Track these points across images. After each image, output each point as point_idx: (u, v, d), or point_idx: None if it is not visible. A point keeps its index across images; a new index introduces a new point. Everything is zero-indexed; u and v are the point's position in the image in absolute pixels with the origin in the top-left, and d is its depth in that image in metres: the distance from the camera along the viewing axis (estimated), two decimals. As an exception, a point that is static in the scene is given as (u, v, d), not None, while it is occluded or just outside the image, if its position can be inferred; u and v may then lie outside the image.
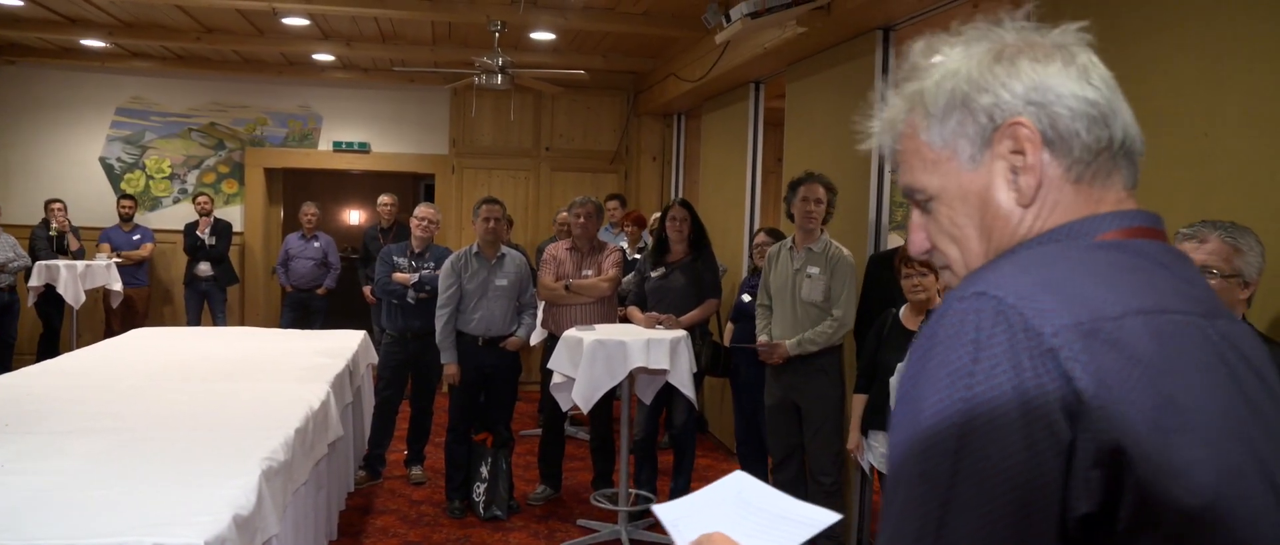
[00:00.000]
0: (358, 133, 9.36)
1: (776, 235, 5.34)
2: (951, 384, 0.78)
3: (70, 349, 6.70)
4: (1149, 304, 0.83)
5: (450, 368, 5.25)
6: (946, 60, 0.96)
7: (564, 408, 5.01)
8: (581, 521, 5.22)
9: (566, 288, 5.41)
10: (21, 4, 6.77)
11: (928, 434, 0.78)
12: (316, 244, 8.42)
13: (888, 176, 4.82)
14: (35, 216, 8.45)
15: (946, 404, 0.78)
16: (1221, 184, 2.73)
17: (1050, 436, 0.76)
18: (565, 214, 7.45)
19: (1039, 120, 0.90)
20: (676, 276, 5.29)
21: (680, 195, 8.45)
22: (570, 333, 4.78)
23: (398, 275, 5.71)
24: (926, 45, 0.99)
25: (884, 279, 4.40)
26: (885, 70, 4.79)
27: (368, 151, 9.37)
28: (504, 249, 5.42)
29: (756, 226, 6.60)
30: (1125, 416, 0.76)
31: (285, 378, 4.48)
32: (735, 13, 4.81)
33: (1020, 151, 0.91)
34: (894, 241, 4.89)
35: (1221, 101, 2.75)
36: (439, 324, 5.24)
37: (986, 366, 0.77)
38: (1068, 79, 0.91)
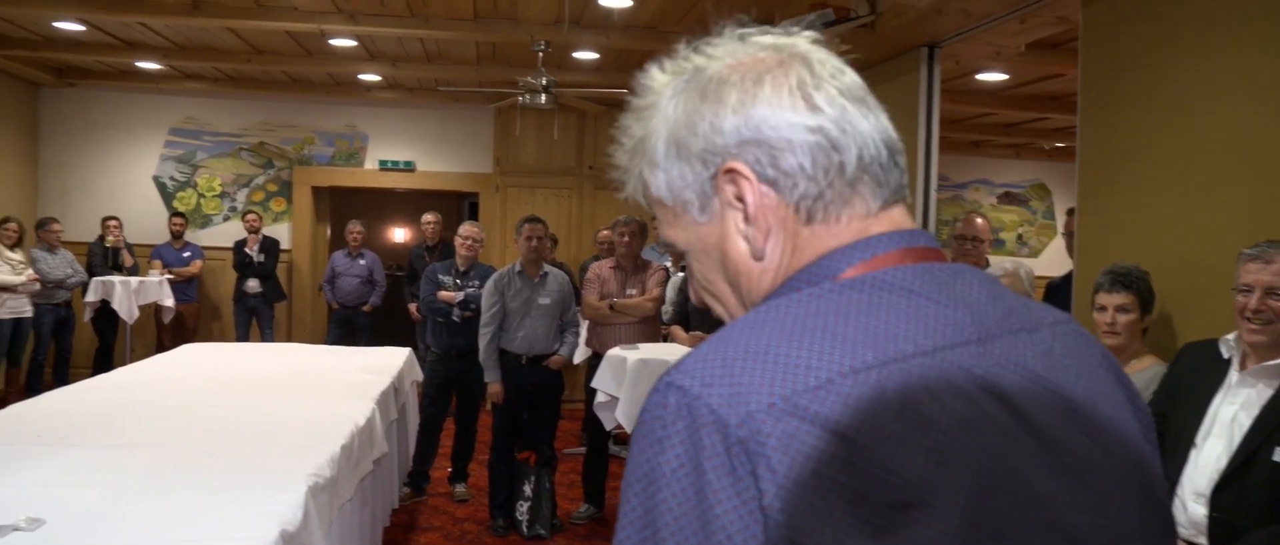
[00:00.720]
0: (403, 151, 9.46)
1: None
2: (642, 490, 0.69)
3: (124, 363, 6.82)
4: (876, 355, 0.70)
5: (494, 386, 5.26)
6: (659, 99, 0.85)
7: (608, 427, 5.00)
8: (624, 541, 5.19)
9: (611, 307, 5.40)
10: (82, 28, 6.94)
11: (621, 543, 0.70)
12: (362, 261, 8.51)
13: (933, 195, 4.77)
14: (92, 233, 8.64)
15: (636, 513, 0.69)
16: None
17: None
18: (607, 232, 7.46)
19: (757, 162, 0.79)
20: (720, 295, 5.26)
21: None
22: (614, 352, 4.77)
23: (443, 293, 5.75)
24: (652, 72, 0.87)
25: None
26: (930, 88, 4.75)
27: (413, 170, 9.47)
28: (547, 267, 5.43)
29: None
30: (814, 517, 0.64)
31: (331, 394, 4.51)
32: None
33: (742, 199, 0.80)
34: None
35: (1276, 117, 2.68)
36: (482, 342, 5.26)
37: (669, 469, 0.67)
38: (780, 106, 0.79)
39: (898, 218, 0.82)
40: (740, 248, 0.82)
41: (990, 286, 0.82)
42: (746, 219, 0.81)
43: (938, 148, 4.78)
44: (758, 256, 0.82)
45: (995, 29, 4.75)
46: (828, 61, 0.83)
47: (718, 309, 0.88)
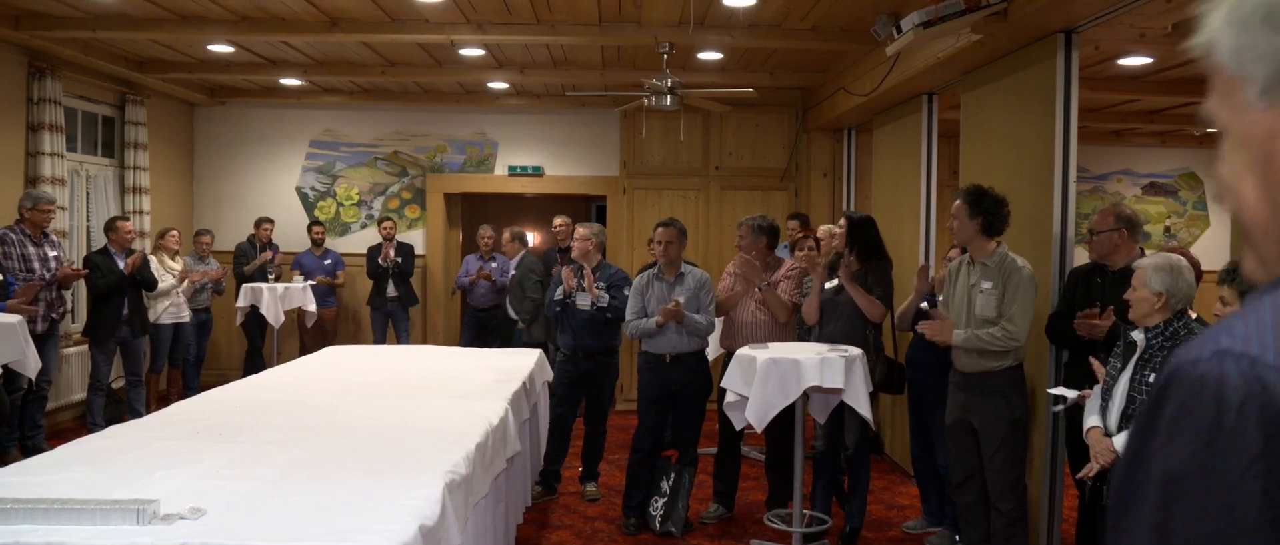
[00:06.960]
0: (531, 157, 9.66)
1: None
2: (1164, 489, 0.57)
3: (272, 364, 7.18)
4: None
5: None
6: None
7: (737, 426, 4.98)
8: (754, 542, 5.17)
9: (761, 288, 5.37)
10: (232, 50, 7.34)
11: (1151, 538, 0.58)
12: (494, 265, 8.71)
13: (1072, 186, 4.57)
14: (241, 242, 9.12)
15: (1153, 518, 0.58)
16: None
17: None
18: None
19: None
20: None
21: (851, 210, 8.30)
22: (743, 351, 4.74)
23: (565, 270, 5.79)
24: None
25: (1084, 292, 4.19)
26: (1068, 76, 4.55)
27: (541, 175, 9.65)
28: (685, 267, 5.45)
29: (933, 241, 6.39)
30: None
31: (466, 394, 4.64)
32: (906, 23, 4.69)
33: None
34: (1079, 256, 4.63)
35: None
36: (630, 330, 5.36)
37: (1237, 466, 0.54)
38: None
39: None
40: None
41: None
42: None
43: (1076, 138, 4.58)
44: None
45: (1138, 10, 4.52)
46: None
47: (1234, 208, 0.74)
